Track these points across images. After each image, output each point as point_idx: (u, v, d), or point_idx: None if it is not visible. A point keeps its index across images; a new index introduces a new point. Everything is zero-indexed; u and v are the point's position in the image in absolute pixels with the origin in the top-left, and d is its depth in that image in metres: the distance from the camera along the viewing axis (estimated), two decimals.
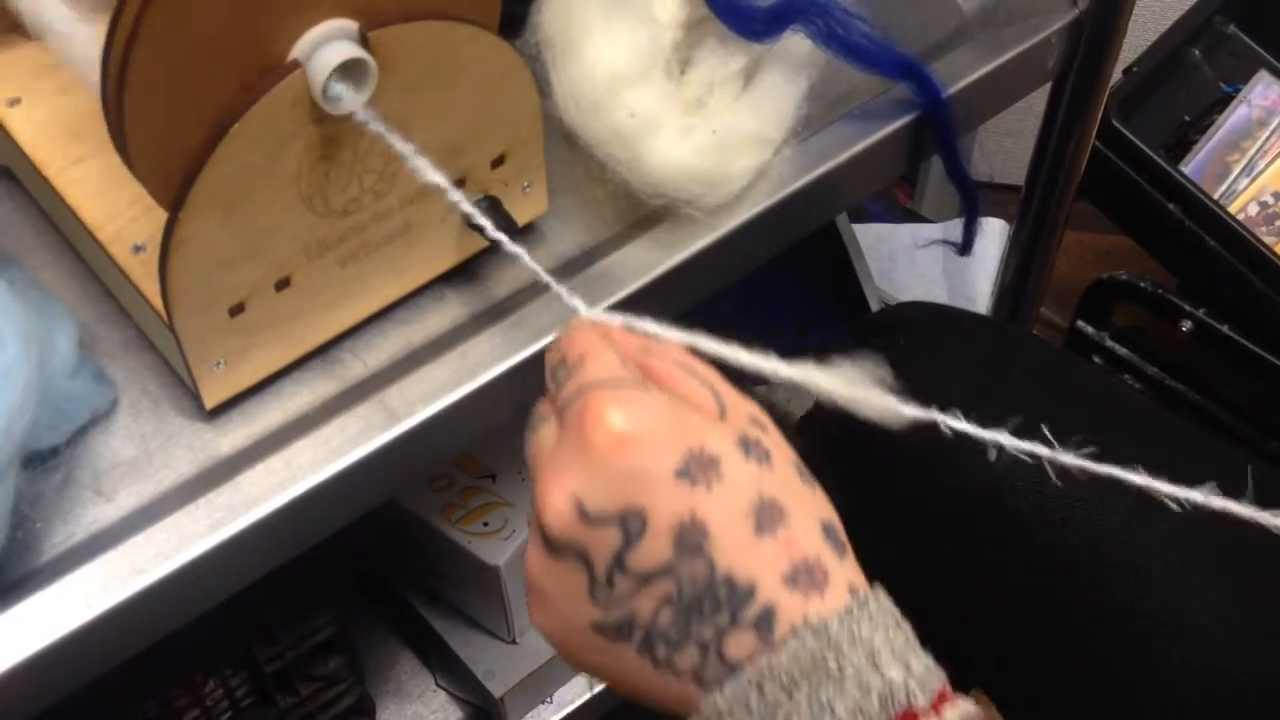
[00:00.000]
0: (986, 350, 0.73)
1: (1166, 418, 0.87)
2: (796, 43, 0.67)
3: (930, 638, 0.43)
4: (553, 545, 0.43)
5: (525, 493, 0.87)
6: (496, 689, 0.88)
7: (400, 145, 0.54)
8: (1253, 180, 1.20)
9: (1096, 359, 1.27)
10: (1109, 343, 1.28)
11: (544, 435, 0.46)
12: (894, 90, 0.73)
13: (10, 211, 0.69)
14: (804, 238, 0.74)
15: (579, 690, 0.92)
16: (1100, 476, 0.66)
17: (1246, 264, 1.14)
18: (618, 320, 0.49)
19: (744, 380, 0.47)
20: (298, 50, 0.53)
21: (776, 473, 0.44)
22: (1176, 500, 0.44)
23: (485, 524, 0.86)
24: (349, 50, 0.53)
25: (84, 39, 0.67)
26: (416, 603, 0.92)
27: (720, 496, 0.42)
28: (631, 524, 0.42)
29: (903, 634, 0.42)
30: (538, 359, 0.62)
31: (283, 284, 0.58)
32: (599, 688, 0.92)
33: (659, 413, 0.43)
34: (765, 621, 0.41)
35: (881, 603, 0.42)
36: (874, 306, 1.16)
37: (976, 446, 0.68)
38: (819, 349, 0.49)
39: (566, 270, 0.66)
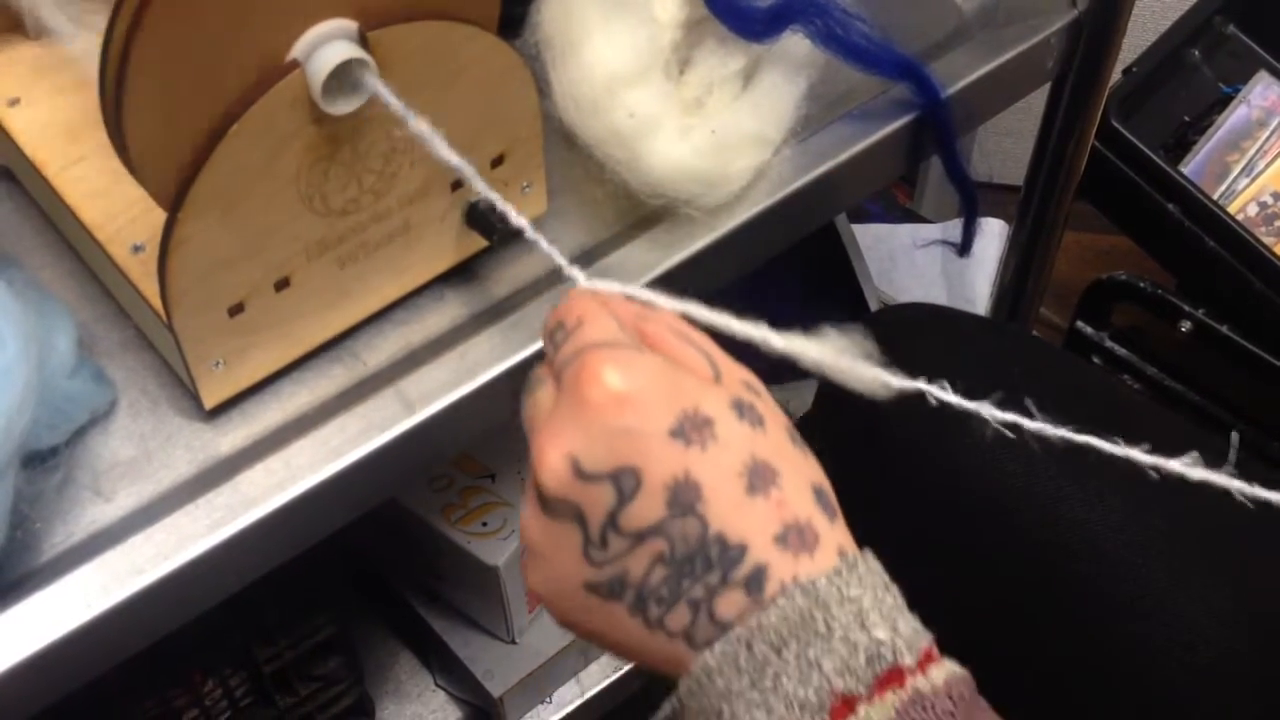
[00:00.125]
0: (986, 351, 0.73)
1: (1166, 418, 0.87)
2: (796, 43, 0.67)
3: None
4: (548, 503, 0.44)
5: (524, 492, 0.87)
6: (495, 689, 0.88)
7: (416, 124, 0.53)
8: (1252, 180, 1.20)
9: (1096, 359, 1.27)
10: (1108, 343, 1.28)
11: (541, 396, 0.47)
12: (893, 90, 0.73)
13: (10, 211, 0.69)
14: (803, 238, 0.74)
15: (578, 690, 0.92)
16: (1093, 466, 0.66)
17: (1246, 264, 1.14)
18: (615, 289, 0.50)
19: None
20: (297, 50, 0.53)
21: (769, 436, 0.45)
22: (1156, 469, 0.45)
23: (484, 524, 0.86)
24: (348, 50, 0.53)
25: (84, 38, 0.67)
26: (415, 603, 0.92)
27: (713, 457, 0.43)
28: (625, 482, 0.43)
29: (891, 596, 0.42)
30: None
31: (282, 284, 0.58)
32: (598, 688, 0.92)
33: (654, 374, 0.44)
34: (755, 581, 0.42)
35: (870, 565, 0.43)
36: (873, 307, 1.16)
37: (976, 447, 0.68)
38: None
39: None
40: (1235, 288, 1.15)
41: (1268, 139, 1.21)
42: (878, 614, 0.41)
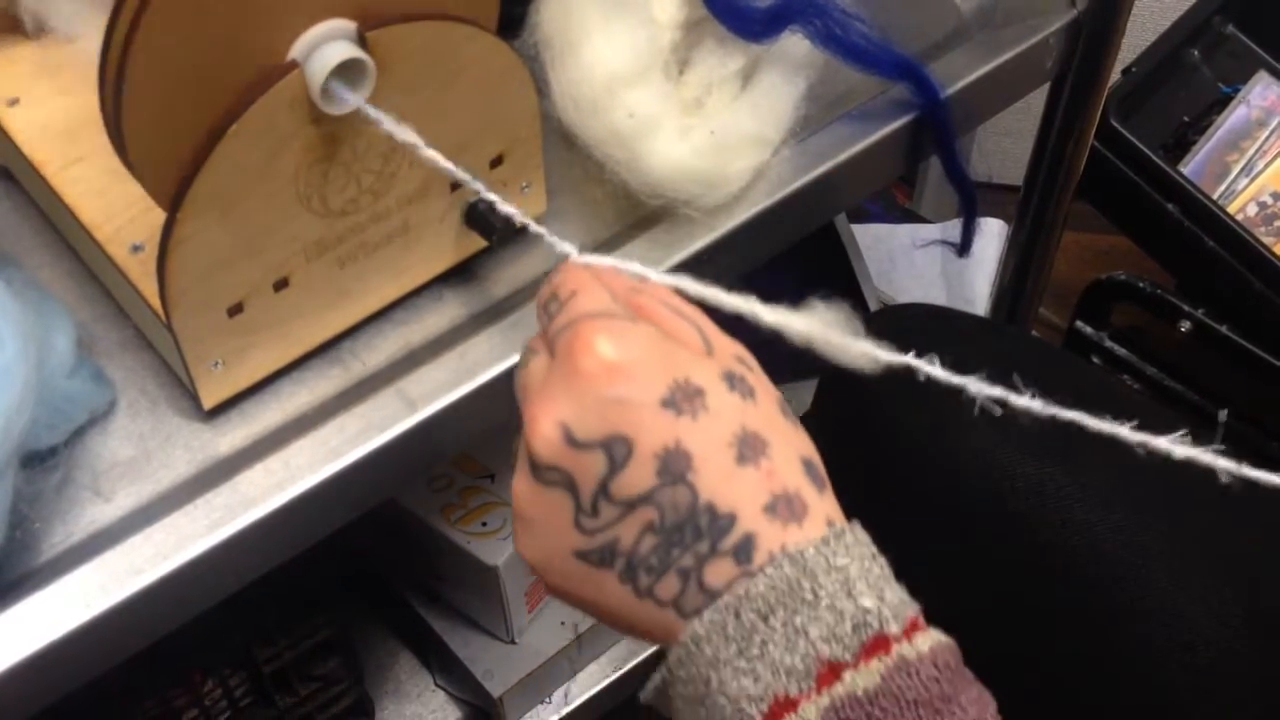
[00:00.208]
0: (985, 351, 0.73)
1: (1166, 418, 0.87)
2: (795, 43, 0.67)
3: None
4: (540, 471, 0.44)
5: None
6: (495, 689, 0.88)
7: (408, 136, 0.53)
8: (1252, 180, 1.20)
9: (1095, 359, 1.27)
10: (1108, 343, 1.28)
11: (534, 367, 0.47)
12: (892, 91, 0.73)
13: (9, 211, 0.69)
14: (802, 238, 0.74)
15: (578, 690, 0.92)
16: (1094, 466, 0.66)
17: (1245, 264, 1.14)
18: (607, 262, 0.50)
19: None
20: (296, 50, 0.53)
21: (760, 407, 0.45)
22: (1144, 446, 0.45)
23: (484, 524, 0.86)
24: (347, 50, 0.53)
25: (84, 38, 0.67)
26: (415, 603, 0.92)
27: (704, 426, 0.43)
28: (617, 450, 0.43)
29: (878, 566, 0.43)
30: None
31: (281, 284, 0.58)
32: (598, 688, 0.92)
33: (647, 344, 0.44)
34: (744, 550, 0.42)
35: (858, 535, 0.43)
36: (872, 307, 1.16)
37: (977, 447, 0.68)
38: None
39: None
40: (1235, 288, 1.15)
41: (1267, 139, 1.21)
42: (864, 583, 0.42)
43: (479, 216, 0.63)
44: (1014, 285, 1.01)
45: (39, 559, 0.56)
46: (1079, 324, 1.28)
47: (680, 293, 0.49)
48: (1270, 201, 1.19)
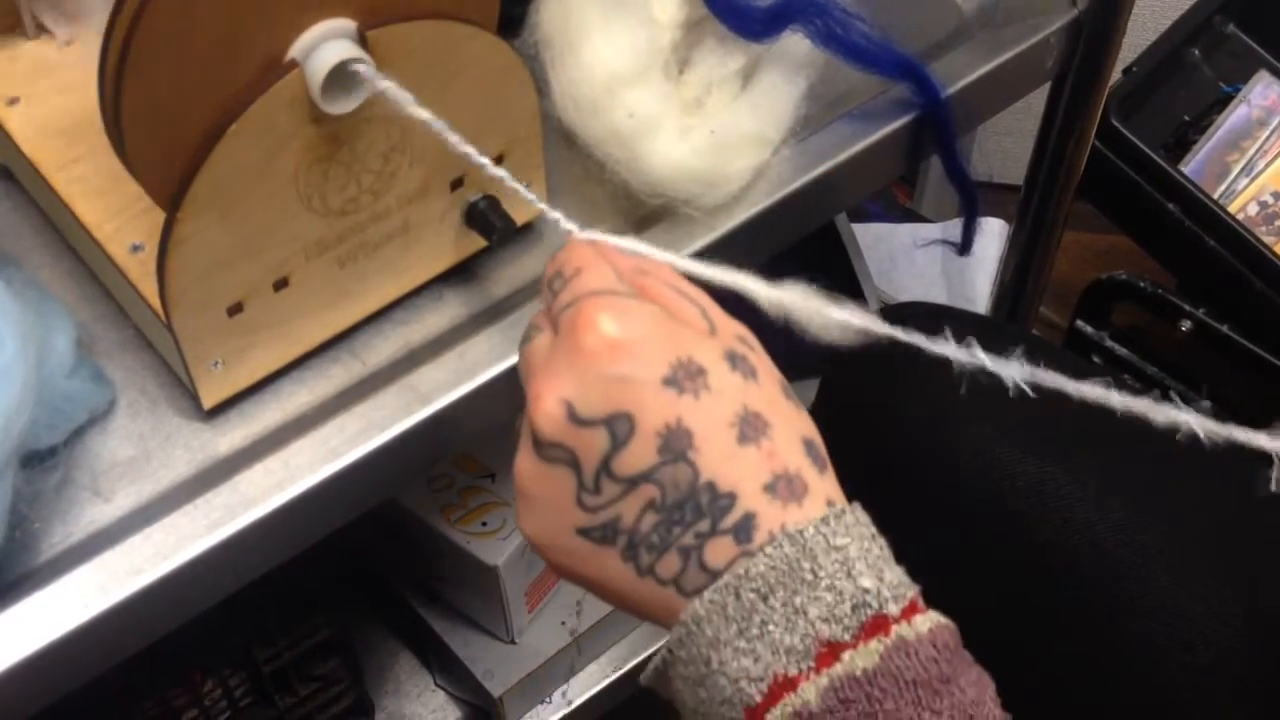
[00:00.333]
0: (985, 351, 0.73)
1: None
2: (795, 43, 0.67)
3: None
4: (542, 448, 0.45)
5: None
6: (495, 689, 0.88)
7: (422, 113, 0.53)
8: (1252, 180, 1.20)
9: (1096, 359, 1.27)
10: (1108, 342, 1.28)
11: (538, 343, 0.47)
12: (893, 90, 0.73)
13: (8, 211, 0.69)
14: (803, 237, 0.74)
15: (578, 690, 0.92)
16: (1095, 465, 0.66)
17: (1246, 264, 1.14)
18: (609, 240, 0.50)
19: None
20: (295, 50, 0.53)
21: (762, 387, 0.45)
22: (1128, 411, 0.45)
23: (484, 524, 0.86)
24: (347, 50, 0.52)
25: (83, 38, 0.67)
26: (415, 603, 0.92)
27: (706, 405, 0.44)
28: (619, 427, 0.43)
29: (877, 546, 0.43)
30: None
31: (281, 284, 0.58)
32: (598, 688, 0.92)
33: (650, 322, 0.45)
34: (744, 529, 0.42)
35: (858, 516, 0.43)
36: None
37: (978, 446, 0.68)
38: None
39: None
40: (1235, 287, 1.15)
41: (1268, 138, 1.21)
42: (864, 563, 0.42)
43: (479, 216, 0.63)
44: (1014, 284, 1.01)
45: (38, 559, 0.56)
46: (1079, 323, 1.28)
47: (679, 272, 0.49)
48: (1271, 201, 1.19)
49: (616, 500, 0.44)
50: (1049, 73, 0.83)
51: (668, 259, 0.50)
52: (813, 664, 0.41)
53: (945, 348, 0.48)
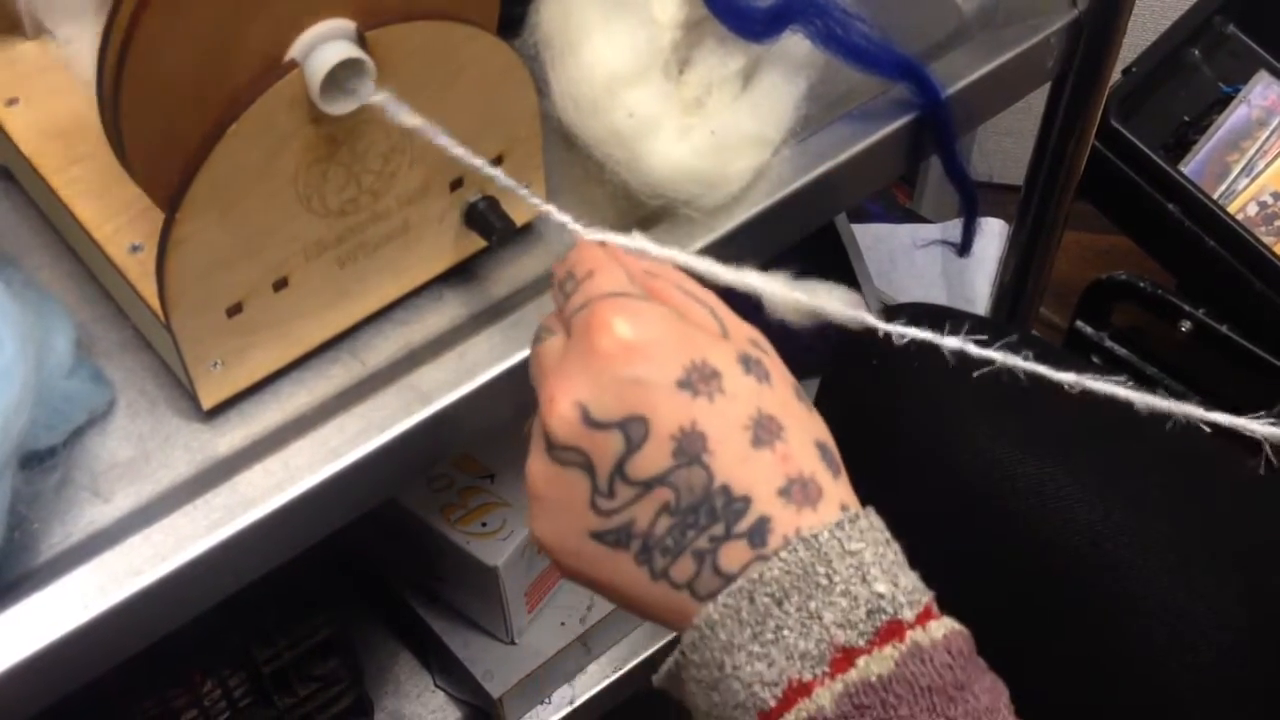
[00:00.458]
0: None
1: (1165, 417, 0.87)
2: (795, 43, 0.67)
3: None
4: (556, 451, 0.45)
5: (524, 493, 0.87)
6: (495, 689, 0.88)
7: (419, 123, 0.53)
8: (1252, 180, 1.20)
9: (1096, 359, 1.27)
10: (1108, 343, 1.28)
11: (551, 345, 0.47)
12: (893, 91, 0.73)
13: (8, 211, 0.69)
14: (803, 238, 0.74)
15: (578, 691, 0.92)
16: (1096, 466, 0.66)
17: (1246, 264, 1.14)
18: (614, 239, 0.50)
19: None
20: (295, 50, 0.52)
21: (775, 391, 0.45)
22: (1129, 402, 0.45)
23: (484, 524, 0.86)
24: (347, 50, 0.52)
25: (82, 39, 0.67)
26: (415, 603, 0.92)
27: (720, 408, 0.43)
28: (634, 430, 0.43)
29: (892, 552, 0.43)
30: None
31: (280, 284, 0.58)
32: (598, 688, 0.92)
33: (664, 324, 0.45)
34: (759, 532, 0.42)
35: (872, 520, 0.43)
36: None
37: (977, 446, 0.68)
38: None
39: None
40: (1235, 288, 1.15)
41: (1268, 139, 1.21)
42: (879, 568, 0.42)
43: (478, 216, 0.63)
44: (1014, 285, 1.01)
45: (38, 560, 0.56)
46: (1079, 324, 1.28)
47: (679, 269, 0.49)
48: (1271, 201, 1.19)
49: (630, 503, 0.44)
50: (1049, 73, 0.83)
51: (670, 255, 0.50)
52: (827, 669, 0.41)
53: (927, 334, 0.47)
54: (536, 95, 0.62)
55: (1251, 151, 1.21)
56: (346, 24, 0.53)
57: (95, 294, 0.65)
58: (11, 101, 0.67)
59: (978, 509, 0.67)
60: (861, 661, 0.40)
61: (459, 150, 0.53)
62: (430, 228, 0.63)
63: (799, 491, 0.43)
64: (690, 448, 0.43)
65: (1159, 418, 0.81)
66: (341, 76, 0.53)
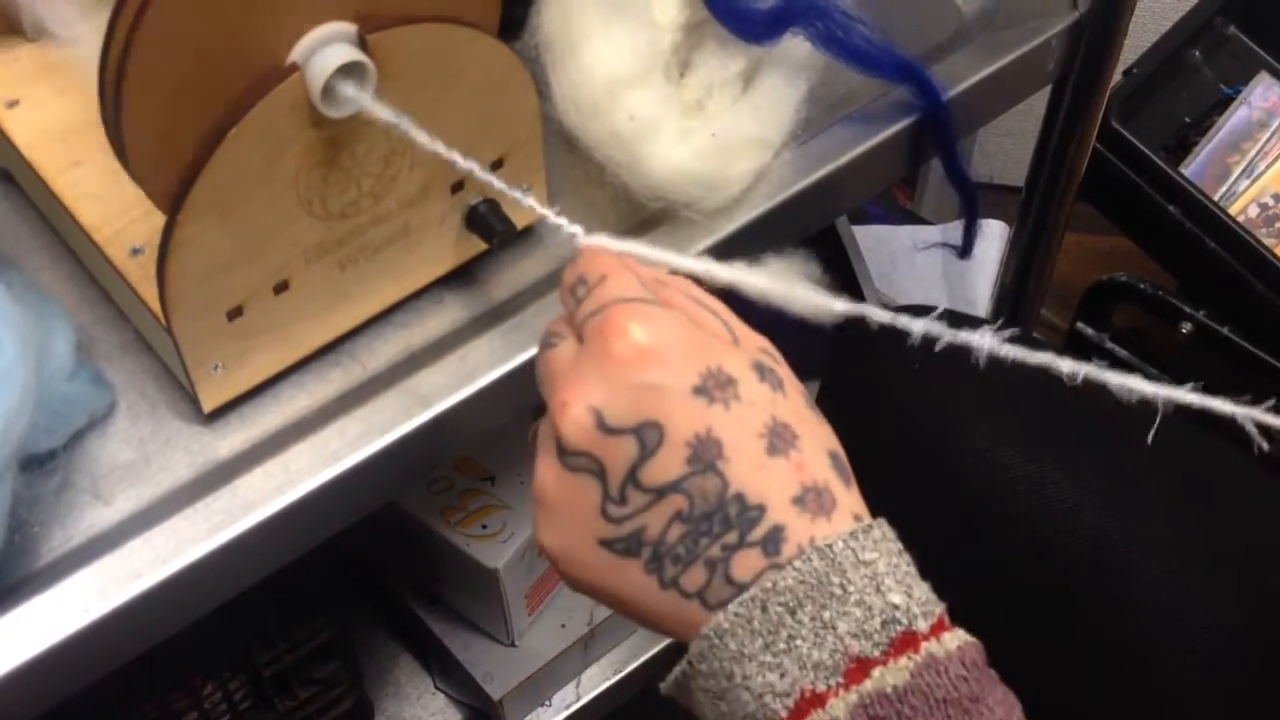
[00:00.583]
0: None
1: (1166, 419, 0.87)
2: (796, 45, 0.67)
3: None
4: (568, 456, 0.44)
5: (524, 495, 0.87)
6: (495, 691, 0.88)
7: (415, 132, 0.53)
8: (1253, 182, 1.20)
9: (1096, 361, 1.27)
10: (1109, 344, 1.28)
11: (561, 350, 0.47)
12: (894, 93, 0.73)
13: (8, 213, 0.69)
14: (803, 240, 0.74)
15: (578, 693, 0.92)
16: (1097, 469, 0.65)
17: (1247, 266, 1.14)
18: (614, 245, 0.50)
19: None
20: (296, 53, 0.52)
21: (789, 399, 0.45)
22: (1124, 388, 0.45)
23: (484, 526, 0.86)
24: (348, 53, 0.52)
25: (83, 41, 0.67)
26: (415, 606, 0.92)
27: (736, 416, 0.43)
28: (648, 436, 0.43)
29: (904, 562, 0.43)
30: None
31: (281, 287, 0.58)
32: (598, 690, 0.92)
33: (679, 330, 0.44)
34: (773, 541, 0.42)
35: (885, 531, 0.43)
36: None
37: (977, 447, 0.68)
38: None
39: None
40: (1236, 289, 1.15)
41: (1268, 140, 1.21)
42: (892, 579, 0.42)
43: (479, 219, 0.63)
44: (1015, 287, 1.01)
45: (38, 563, 0.56)
46: (1080, 325, 1.28)
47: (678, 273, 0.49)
48: (1271, 203, 1.19)
49: (642, 511, 0.43)
50: (1050, 75, 0.83)
51: (665, 258, 0.49)
52: (841, 680, 0.40)
53: (915, 324, 0.47)
54: (537, 98, 0.62)
55: (1252, 153, 1.21)
56: (348, 27, 0.53)
57: (96, 296, 0.65)
58: (12, 103, 0.67)
59: (978, 511, 0.67)
60: (876, 672, 0.40)
61: (447, 150, 0.52)
62: (431, 230, 0.62)
63: (813, 500, 0.43)
64: (705, 455, 0.43)
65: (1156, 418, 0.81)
66: (342, 80, 0.53)
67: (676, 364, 0.43)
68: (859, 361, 0.76)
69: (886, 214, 1.45)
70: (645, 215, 0.68)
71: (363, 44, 0.53)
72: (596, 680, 0.92)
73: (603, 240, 0.50)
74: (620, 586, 0.45)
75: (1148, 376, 1.27)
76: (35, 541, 0.56)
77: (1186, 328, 1.20)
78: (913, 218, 1.48)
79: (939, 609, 0.42)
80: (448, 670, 0.92)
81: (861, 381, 0.75)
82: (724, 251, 0.68)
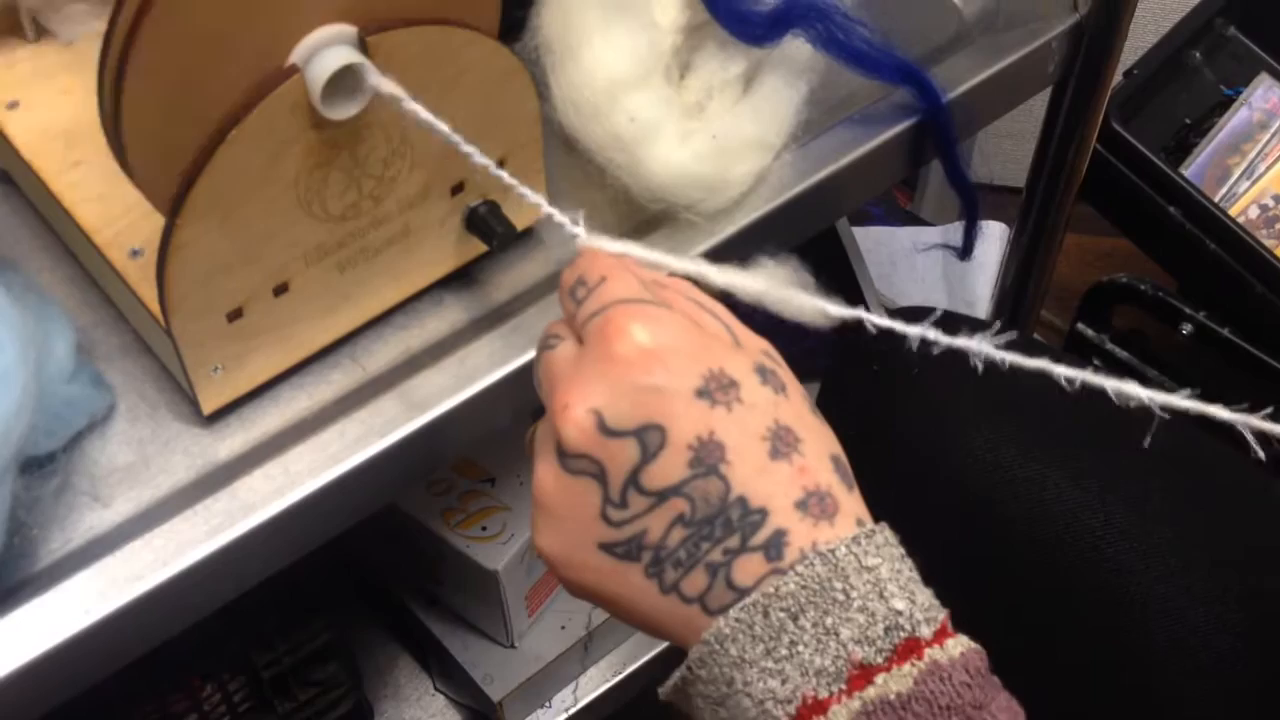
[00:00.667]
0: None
1: (1166, 420, 0.87)
2: (796, 47, 0.67)
3: None
4: (569, 459, 0.44)
5: (524, 497, 0.87)
6: (495, 693, 0.88)
7: (426, 115, 0.53)
8: (1253, 183, 1.20)
9: (1096, 362, 1.27)
10: (1109, 345, 1.28)
11: (561, 352, 0.46)
12: (894, 95, 0.73)
13: (8, 215, 0.69)
14: (804, 242, 0.74)
15: (578, 694, 0.92)
16: (1097, 471, 0.65)
17: (1247, 267, 1.14)
18: (613, 246, 0.49)
19: None
20: (296, 55, 0.52)
21: (791, 402, 0.45)
22: (1120, 393, 0.45)
23: (484, 528, 0.86)
24: (348, 55, 0.52)
25: (83, 43, 0.67)
26: (415, 607, 0.92)
27: (739, 418, 0.43)
28: (650, 439, 0.42)
29: (907, 568, 0.42)
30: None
31: (281, 289, 0.58)
32: (598, 692, 0.92)
33: (682, 332, 0.44)
34: (775, 545, 0.42)
35: (888, 536, 0.43)
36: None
37: (977, 449, 0.68)
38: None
39: None
40: (1236, 291, 1.15)
41: (1269, 141, 1.21)
42: (895, 585, 0.41)
43: (479, 221, 0.63)
44: (1015, 288, 1.01)
45: (37, 565, 0.56)
46: (1080, 326, 1.28)
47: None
48: (1272, 204, 1.19)
49: (643, 514, 0.43)
50: (1050, 77, 0.83)
51: (662, 260, 0.49)
52: (844, 686, 0.40)
53: (910, 330, 0.47)
54: (537, 100, 0.62)
55: (1252, 154, 1.21)
56: (348, 29, 0.53)
57: (95, 298, 0.65)
58: (12, 104, 0.67)
59: (978, 512, 0.67)
60: (880, 679, 0.40)
61: (458, 139, 0.52)
62: (431, 232, 0.62)
63: (816, 505, 0.42)
64: (708, 458, 0.42)
65: (1160, 421, 0.81)
66: (342, 81, 0.53)
67: (678, 366, 0.43)
68: (859, 364, 0.76)
69: (887, 215, 1.45)
70: (645, 217, 0.68)
71: (363, 46, 0.53)
72: (596, 682, 0.92)
73: (601, 242, 0.50)
74: (620, 591, 0.44)
75: (1148, 378, 1.27)
76: (35, 544, 0.56)
77: (1187, 329, 1.20)
78: (913, 219, 1.48)
79: (942, 615, 0.42)
80: (447, 672, 0.92)
81: (861, 384, 0.75)
82: (724, 253, 0.68)
